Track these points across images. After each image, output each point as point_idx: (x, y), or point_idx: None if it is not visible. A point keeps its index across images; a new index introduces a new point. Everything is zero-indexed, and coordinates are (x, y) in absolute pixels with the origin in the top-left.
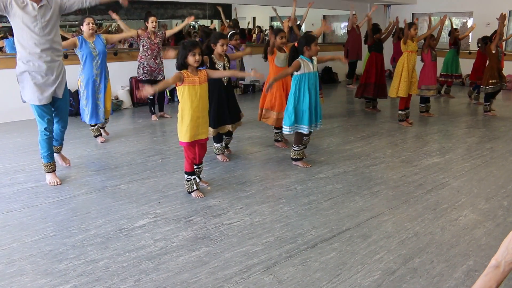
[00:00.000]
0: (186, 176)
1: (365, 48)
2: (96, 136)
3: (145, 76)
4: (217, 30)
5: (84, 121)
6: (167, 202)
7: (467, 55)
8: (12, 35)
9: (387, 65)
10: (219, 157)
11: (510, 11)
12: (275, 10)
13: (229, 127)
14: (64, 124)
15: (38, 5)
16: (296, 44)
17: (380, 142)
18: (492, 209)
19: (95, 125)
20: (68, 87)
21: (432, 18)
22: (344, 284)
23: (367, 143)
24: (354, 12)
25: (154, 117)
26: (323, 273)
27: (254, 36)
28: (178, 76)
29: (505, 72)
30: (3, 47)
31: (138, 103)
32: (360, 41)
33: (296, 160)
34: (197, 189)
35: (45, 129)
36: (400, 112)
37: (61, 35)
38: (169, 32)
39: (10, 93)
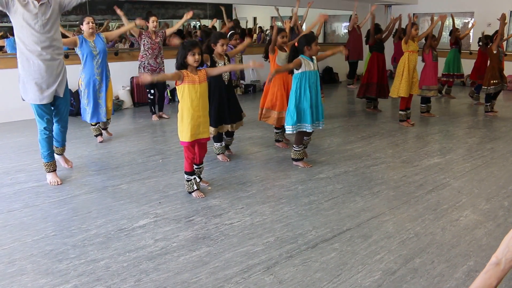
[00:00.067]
0: (186, 176)
1: (366, 48)
2: (96, 136)
3: (147, 82)
4: (217, 29)
5: (85, 120)
6: (168, 202)
7: (468, 55)
8: (13, 35)
9: (388, 65)
10: (220, 157)
11: (511, 11)
12: (277, 10)
13: (228, 127)
14: (64, 124)
15: (38, 3)
16: (296, 44)
17: (381, 142)
18: (492, 210)
19: (95, 124)
20: (69, 87)
21: (434, 17)
22: (344, 284)
23: (368, 143)
24: (355, 13)
25: (154, 117)
26: (323, 273)
27: (255, 36)
28: (178, 74)
29: (506, 72)
30: (3, 46)
31: (138, 103)
32: (361, 41)
33: (296, 160)
34: (197, 189)
35: (44, 128)
36: (401, 112)
37: (61, 33)
38: (169, 31)
39: (10, 93)
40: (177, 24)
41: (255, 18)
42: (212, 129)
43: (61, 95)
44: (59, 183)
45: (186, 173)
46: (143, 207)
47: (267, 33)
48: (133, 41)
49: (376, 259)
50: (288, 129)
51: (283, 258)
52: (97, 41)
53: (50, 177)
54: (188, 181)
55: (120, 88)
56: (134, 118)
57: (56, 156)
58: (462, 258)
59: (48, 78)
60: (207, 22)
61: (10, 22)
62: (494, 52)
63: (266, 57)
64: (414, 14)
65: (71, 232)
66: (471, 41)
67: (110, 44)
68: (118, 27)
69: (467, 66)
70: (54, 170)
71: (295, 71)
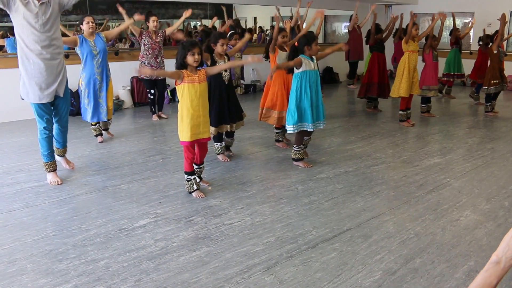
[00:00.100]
0: (186, 176)
1: (366, 48)
2: (96, 136)
3: (146, 75)
4: (217, 29)
5: (86, 120)
6: (168, 202)
7: (468, 55)
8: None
9: (388, 65)
10: (220, 157)
11: (511, 11)
12: (278, 10)
13: (227, 127)
14: (64, 124)
15: (39, 2)
16: (296, 43)
17: (381, 143)
18: (493, 210)
19: (95, 124)
20: (69, 87)
21: (435, 16)
22: (345, 284)
23: (368, 143)
24: (356, 13)
25: (155, 117)
26: (324, 273)
27: (255, 36)
28: (178, 73)
29: (506, 72)
30: (3, 46)
31: (139, 103)
32: (361, 41)
33: (296, 160)
34: (197, 189)
35: (44, 128)
36: (401, 112)
37: (62, 32)
38: (169, 30)
39: (10, 93)
40: (176, 23)
41: (255, 18)
42: (212, 129)
43: (61, 95)
44: (59, 183)
45: (186, 173)
46: (143, 207)
47: (267, 33)
48: (133, 40)
49: (376, 259)
50: (289, 128)
51: (283, 258)
52: (97, 40)
53: (50, 177)
54: (188, 181)
55: (120, 88)
56: (134, 118)
57: (57, 157)
58: (463, 258)
59: (48, 77)
60: (207, 22)
61: (11, 21)
62: (495, 52)
63: (267, 56)
64: (414, 13)
65: (71, 232)
66: (471, 41)
67: (110, 43)
68: (118, 26)
69: (468, 66)
70: (54, 170)
71: (296, 70)
